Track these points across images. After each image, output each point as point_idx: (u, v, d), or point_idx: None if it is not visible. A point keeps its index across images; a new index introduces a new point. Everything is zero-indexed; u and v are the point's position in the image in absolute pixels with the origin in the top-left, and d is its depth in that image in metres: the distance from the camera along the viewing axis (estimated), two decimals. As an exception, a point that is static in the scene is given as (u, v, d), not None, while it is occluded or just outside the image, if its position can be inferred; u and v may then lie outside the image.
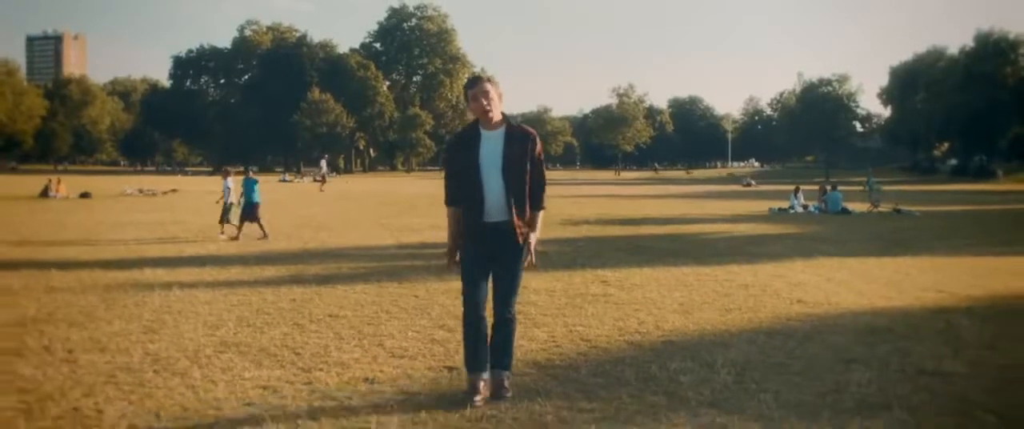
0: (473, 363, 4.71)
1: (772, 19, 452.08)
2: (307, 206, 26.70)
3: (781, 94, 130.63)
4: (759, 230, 18.32)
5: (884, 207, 24.83)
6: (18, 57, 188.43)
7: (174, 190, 36.04)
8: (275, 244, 13.87)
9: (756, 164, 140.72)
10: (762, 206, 27.35)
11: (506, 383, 4.76)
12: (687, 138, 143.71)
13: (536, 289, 8.58)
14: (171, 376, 5.20)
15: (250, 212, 14.99)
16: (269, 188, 44.06)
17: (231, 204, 15.74)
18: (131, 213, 22.33)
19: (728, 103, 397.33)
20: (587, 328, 6.80)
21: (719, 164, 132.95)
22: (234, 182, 16.32)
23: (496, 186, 4.64)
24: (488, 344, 4.74)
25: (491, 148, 4.67)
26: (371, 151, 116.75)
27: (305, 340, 6.29)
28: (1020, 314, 7.78)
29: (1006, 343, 6.47)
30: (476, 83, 4.76)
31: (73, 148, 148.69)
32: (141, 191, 34.26)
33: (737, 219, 21.88)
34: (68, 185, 33.34)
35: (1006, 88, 69.15)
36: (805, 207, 24.70)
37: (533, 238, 4.74)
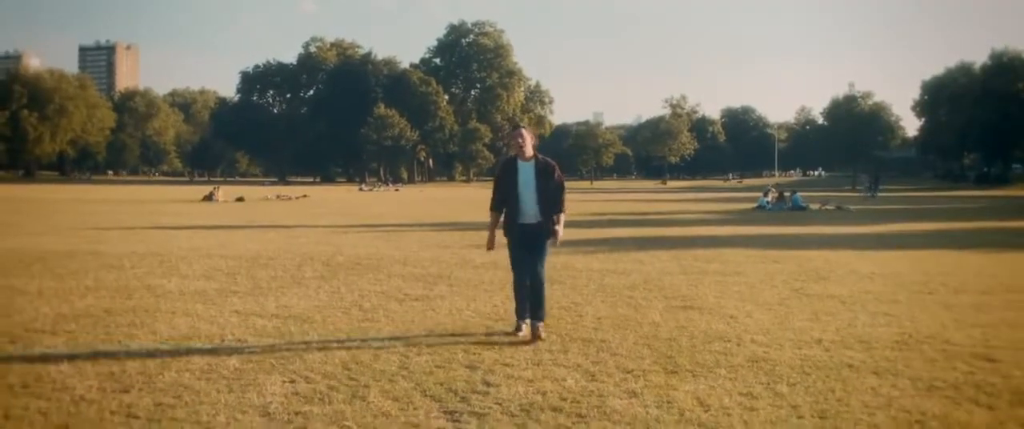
0: (519, 312, 7.46)
1: (832, 29, 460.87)
2: (414, 206, 39.39)
3: (833, 103, 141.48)
4: (721, 217, 30.49)
5: (829, 206, 36.72)
6: (71, 67, 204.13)
7: (305, 195, 49.39)
8: (424, 218, 26.49)
9: (812, 172, 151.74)
10: (751, 205, 39.35)
11: (541, 331, 7.24)
12: (739, 148, 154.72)
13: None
14: (400, 248, 17.70)
15: None
16: (353, 196, 57.43)
17: None
18: (299, 209, 35.25)
19: (784, 112, 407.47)
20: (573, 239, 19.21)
21: (767, 173, 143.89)
22: None
23: (529, 200, 7.35)
24: (528, 301, 7.40)
25: (526, 175, 7.39)
26: (431, 162, 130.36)
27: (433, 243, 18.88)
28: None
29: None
30: (515, 130, 7.72)
31: (139, 159, 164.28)
32: (278, 197, 47.28)
33: (717, 212, 34.08)
34: (223, 193, 46.50)
35: (1018, 102, 79.81)
36: (772, 204, 36.54)
37: (560, 230, 7.42)
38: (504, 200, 7.51)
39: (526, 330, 7.30)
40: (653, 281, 11.18)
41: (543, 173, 7.42)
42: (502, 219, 7.63)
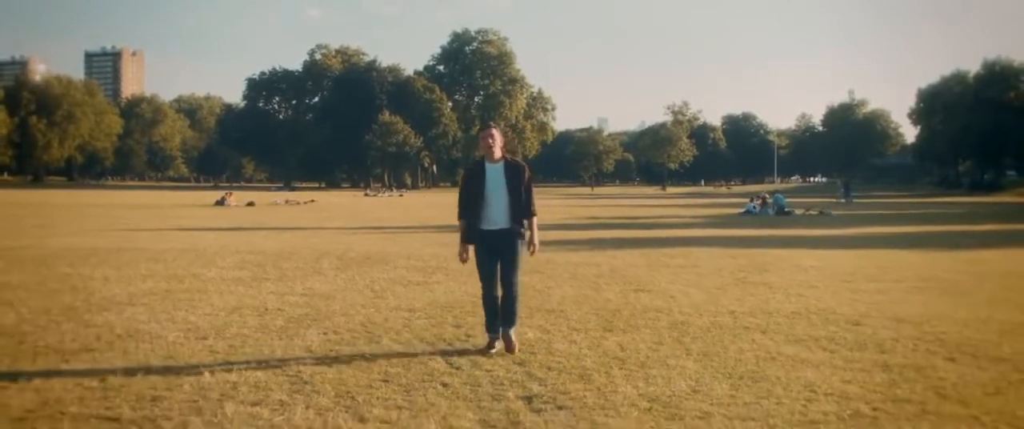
0: (490, 327, 7.15)
1: (836, 34, 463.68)
2: (417, 210, 41.46)
3: (829, 111, 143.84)
4: (706, 221, 32.52)
5: (813, 211, 38.75)
6: (77, 73, 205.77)
7: (313, 201, 51.58)
8: (426, 221, 28.57)
9: (812, 179, 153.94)
10: (741, 210, 41.39)
11: (512, 337, 7.09)
12: (740, 155, 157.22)
13: (561, 232, 23.10)
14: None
15: None
16: (359, 201, 59.60)
17: None
18: (308, 214, 37.33)
19: (785, 119, 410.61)
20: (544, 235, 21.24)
21: (768, 180, 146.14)
22: None
23: (499, 204, 7.04)
24: (499, 311, 7.11)
25: (494, 177, 7.07)
26: (434, 168, 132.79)
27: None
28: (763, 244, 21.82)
29: (739, 245, 20.74)
30: (486, 128, 7.29)
31: (146, 164, 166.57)
32: (287, 202, 49.38)
33: (705, 216, 36.10)
34: (234, 198, 48.59)
35: (1011, 110, 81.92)
36: (758, 209, 38.57)
37: (535, 239, 7.21)
38: (471, 206, 7.18)
39: (500, 346, 7.10)
40: (619, 271, 13.25)
41: (512, 175, 7.14)
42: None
